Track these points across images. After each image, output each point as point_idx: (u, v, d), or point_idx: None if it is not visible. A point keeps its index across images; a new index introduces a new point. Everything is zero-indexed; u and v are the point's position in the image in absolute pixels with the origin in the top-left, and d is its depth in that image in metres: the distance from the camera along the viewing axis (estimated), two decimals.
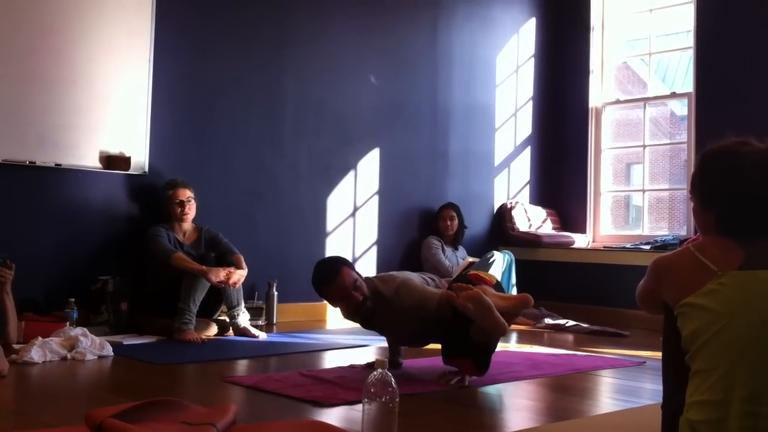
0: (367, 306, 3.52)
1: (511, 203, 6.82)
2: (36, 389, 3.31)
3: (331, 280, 3.48)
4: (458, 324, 3.30)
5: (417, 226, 6.34)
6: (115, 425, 2.21)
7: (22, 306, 4.29)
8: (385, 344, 3.95)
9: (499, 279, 3.85)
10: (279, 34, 5.68)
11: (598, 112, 6.96)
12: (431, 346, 3.89)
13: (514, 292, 6.09)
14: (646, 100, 6.83)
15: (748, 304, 1.83)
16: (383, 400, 2.14)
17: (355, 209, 6.03)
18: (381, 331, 3.80)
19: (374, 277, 3.65)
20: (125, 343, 4.34)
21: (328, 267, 3.55)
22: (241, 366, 3.95)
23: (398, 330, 3.67)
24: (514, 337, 5.28)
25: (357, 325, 5.60)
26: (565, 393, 3.42)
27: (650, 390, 3.41)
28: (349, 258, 5.95)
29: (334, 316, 5.79)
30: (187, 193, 4.94)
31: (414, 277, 3.66)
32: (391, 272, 3.72)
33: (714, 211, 1.97)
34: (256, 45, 5.57)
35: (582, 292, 6.33)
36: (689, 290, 1.88)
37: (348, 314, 3.63)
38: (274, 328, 5.27)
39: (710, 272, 1.87)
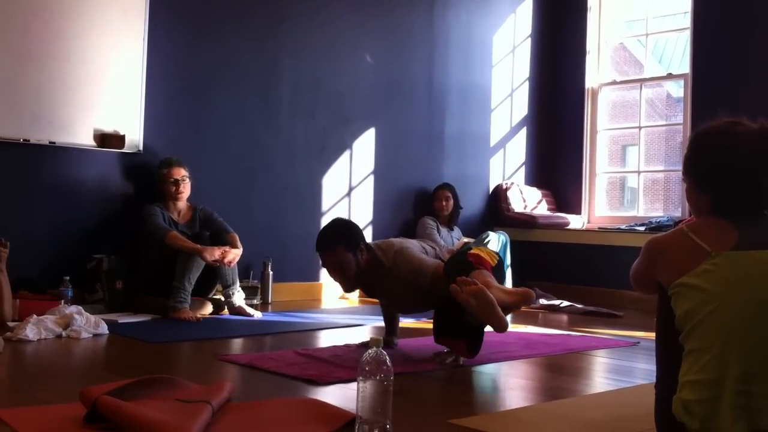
0: (352, 283, 3.62)
1: (506, 184, 6.82)
2: (31, 367, 3.32)
3: (320, 251, 3.60)
4: (454, 305, 3.31)
5: (412, 206, 6.34)
6: (109, 402, 2.22)
7: (17, 284, 4.29)
8: (381, 324, 3.96)
9: (499, 253, 3.83)
10: (274, 13, 5.65)
11: (594, 93, 6.95)
12: (425, 326, 3.90)
13: (509, 273, 6.11)
14: (642, 81, 6.81)
15: (741, 284, 1.83)
16: (378, 378, 2.14)
17: (351, 189, 6.02)
18: (380, 298, 3.82)
19: (375, 245, 3.66)
20: (120, 321, 4.34)
21: (325, 236, 3.60)
22: (236, 345, 3.96)
23: (395, 297, 3.70)
24: (508, 317, 5.29)
25: (352, 304, 5.63)
26: (559, 372, 3.44)
27: (644, 370, 3.42)
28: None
29: (329, 296, 5.81)
30: (181, 172, 4.93)
31: (412, 245, 3.66)
32: (391, 239, 3.73)
33: (708, 192, 1.97)
34: (252, 24, 5.54)
35: (577, 272, 6.34)
36: (683, 271, 1.88)
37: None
38: (270, 307, 5.28)
39: (704, 253, 1.87)
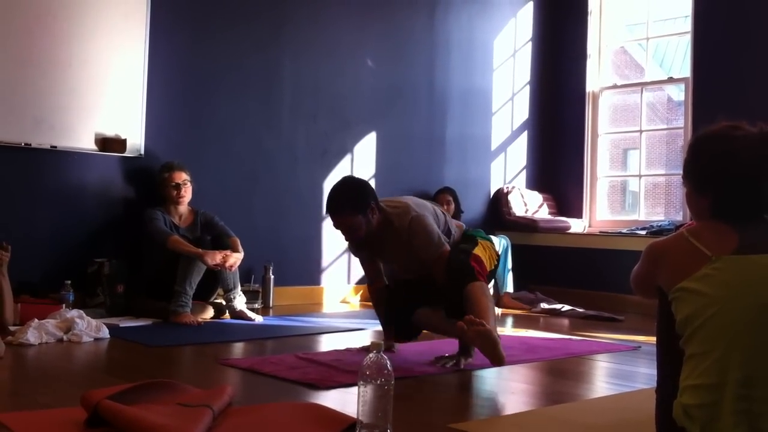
0: (360, 243, 3.60)
1: (507, 188, 6.83)
2: (32, 371, 3.32)
3: (330, 213, 3.53)
4: (415, 298, 3.55)
5: None
6: (110, 407, 2.22)
7: (19, 288, 4.29)
8: (381, 327, 3.96)
9: (500, 254, 3.87)
10: (276, 16, 5.65)
11: (595, 97, 6.95)
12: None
13: (510, 277, 6.11)
14: (643, 84, 6.82)
15: (742, 289, 1.83)
16: (379, 382, 2.14)
17: None
18: (383, 260, 3.78)
19: (388, 204, 3.58)
20: (121, 325, 4.34)
21: (334, 198, 3.50)
22: (237, 349, 3.96)
23: (399, 260, 3.69)
24: (510, 321, 5.30)
25: (353, 308, 5.63)
26: (560, 377, 3.44)
27: (645, 374, 3.42)
28: (346, 242, 5.95)
29: (330, 300, 5.81)
30: (183, 176, 4.93)
31: (428, 210, 3.61)
32: (405, 200, 3.63)
33: (707, 195, 1.97)
34: (254, 27, 5.55)
35: (578, 276, 6.34)
36: (683, 275, 1.88)
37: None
38: (271, 311, 5.28)
39: (704, 257, 1.87)
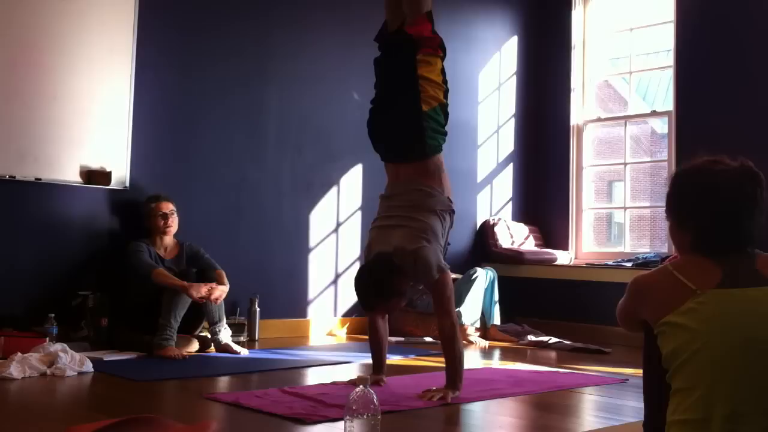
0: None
1: (493, 220, 6.84)
2: (15, 405, 3.28)
3: (371, 310, 3.70)
4: None
5: None
6: None
7: (2, 321, 4.26)
8: (369, 361, 3.94)
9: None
10: (262, 49, 5.69)
11: (580, 130, 7.00)
12: (412, 363, 3.89)
13: (496, 309, 6.11)
14: (626, 118, 6.87)
15: (726, 323, 1.84)
16: (365, 417, 2.13)
17: (338, 225, 6.02)
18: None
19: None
20: (105, 359, 4.30)
21: (363, 300, 3.61)
22: (223, 383, 3.93)
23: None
24: (497, 354, 5.29)
25: (340, 341, 5.61)
26: (547, 410, 3.42)
27: (632, 408, 3.41)
28: (332, 275, 5.95)
29: (316, 333, 5.78)
30: (170, 206, 4.93)
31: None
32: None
33: (690, 230, 1.98)
34: (239, 60, 5.57)
35: (564, 308, 6.34)
36: (668, 309, 1.89)
37: None
38: (256, 344, 5.25)
39: (689, 291, 1.88)
